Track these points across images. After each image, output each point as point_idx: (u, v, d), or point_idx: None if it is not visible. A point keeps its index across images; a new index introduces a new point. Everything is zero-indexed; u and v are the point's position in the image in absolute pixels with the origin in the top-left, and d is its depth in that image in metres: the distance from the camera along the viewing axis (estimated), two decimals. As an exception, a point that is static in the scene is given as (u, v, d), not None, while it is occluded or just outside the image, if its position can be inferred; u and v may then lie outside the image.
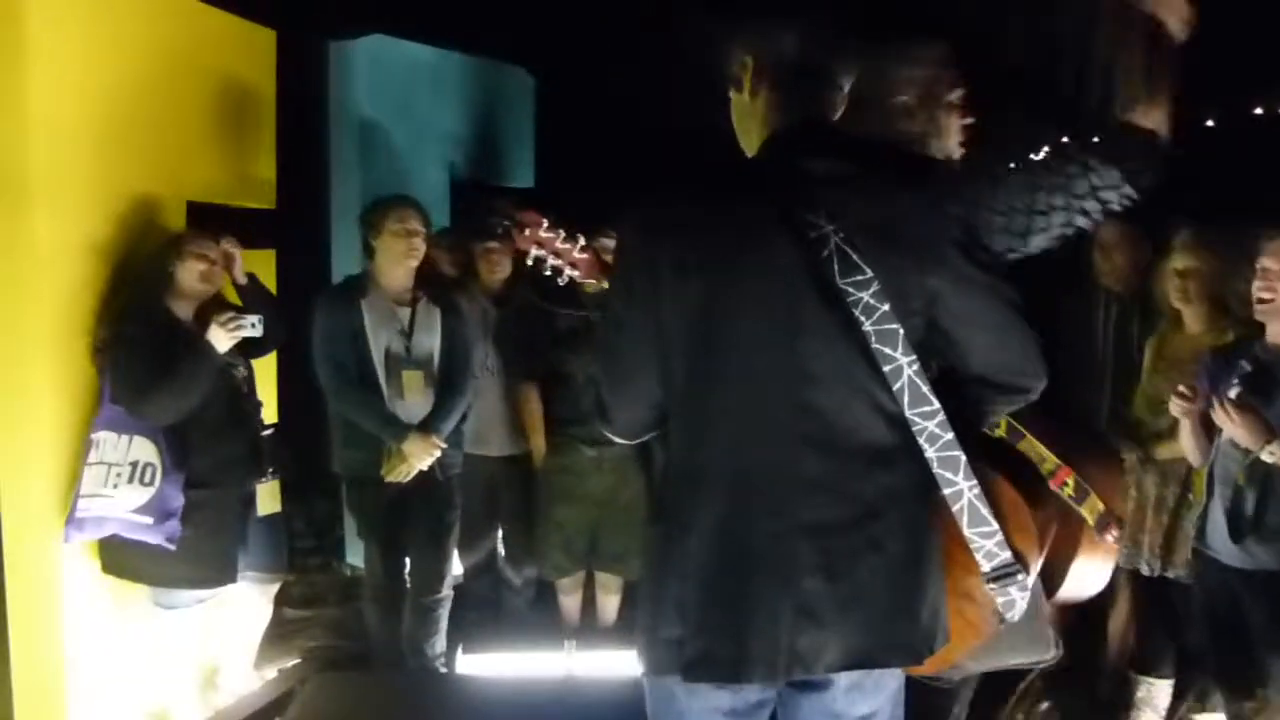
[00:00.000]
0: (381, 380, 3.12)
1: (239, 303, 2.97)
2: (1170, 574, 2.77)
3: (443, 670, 3.37)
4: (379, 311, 3.14)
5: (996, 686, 2.53)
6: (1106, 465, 1.72)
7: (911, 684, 1.55)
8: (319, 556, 4.31)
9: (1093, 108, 1.67)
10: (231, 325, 2.72)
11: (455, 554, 3.49)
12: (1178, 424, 2.65)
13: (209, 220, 3.09)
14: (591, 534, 3.47)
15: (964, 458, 1.40)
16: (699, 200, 1.46)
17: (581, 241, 1.89)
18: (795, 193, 1.39)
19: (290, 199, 3.72)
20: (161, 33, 3.01)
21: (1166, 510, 2.79)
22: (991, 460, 1.51)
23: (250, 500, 2.90)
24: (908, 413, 1.39)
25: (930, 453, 1.40)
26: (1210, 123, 5.02)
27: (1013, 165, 1.64)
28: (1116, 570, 2.33)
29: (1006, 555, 1.44)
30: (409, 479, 3.12)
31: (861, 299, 1.36)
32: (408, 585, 3.33)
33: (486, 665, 3.40)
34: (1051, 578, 1.70)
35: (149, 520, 2.64)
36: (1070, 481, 1.63)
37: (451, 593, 3.40)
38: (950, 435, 1.39)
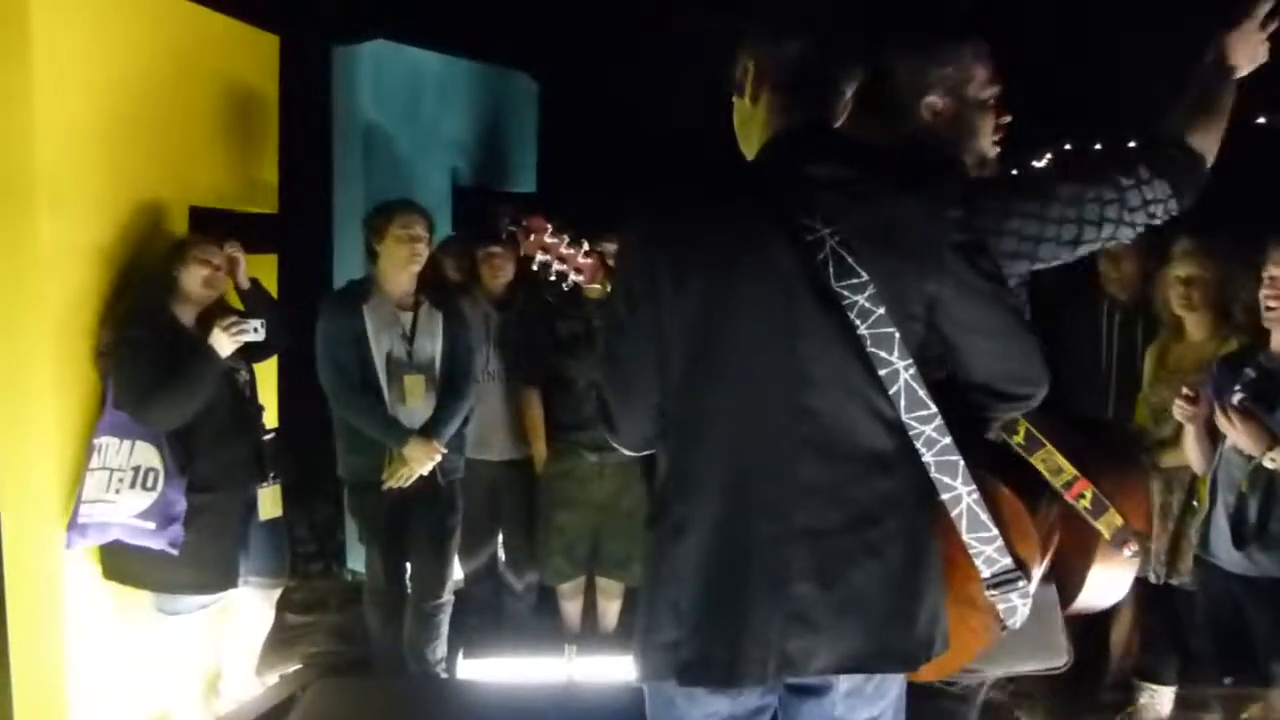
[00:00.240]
0: (383, 385, 3.12)
1: (241, 307, 2.97)
2: (1174, 581, 2.77)
3: (444, 675, 3.36)
4: (381, 316, 3.15)
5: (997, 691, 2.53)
6: (1128, 479, 1.70)
7: (925, 689, 1.55)
8: (320, 561, 4.31)
9: (1154, 124, 1.67)
10: (234, 330, 2.72)
11: (456, 559, 3.49)
12: (1181, 431, 2.65)
13: (212, 225, 3.09)
14: (593, 539, 3.47)
15: (962, 462, 1.39)
16: (698, 204, 1.47)
17: (585, 246, 1.89)
18: (793, 196, 1.39)
19: (293, 204, 3.72)
20: (165, 37, 3.01)
21: (1171, 517, 2.79)
22: (994, 466, 1.50)
23: (252, 505, 2.89)
24: (904, 417, 1.38)
25: (928, 457, 1.39)
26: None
27: (1065, 173, 1.63)
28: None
29: (1007, 561, 1.43)
30: (410, 483, 3.12)
31: (857, 302, 1.36)
32: (409, 590, 3.33)
33: (487, 670, 3.39)
34: (1068, 586, 1.69)
35: (152, 525, 2.63)
36: (1088, 494, 1.62)
37: (453, 598, 3.40)
38: (948, 440, 1.39)
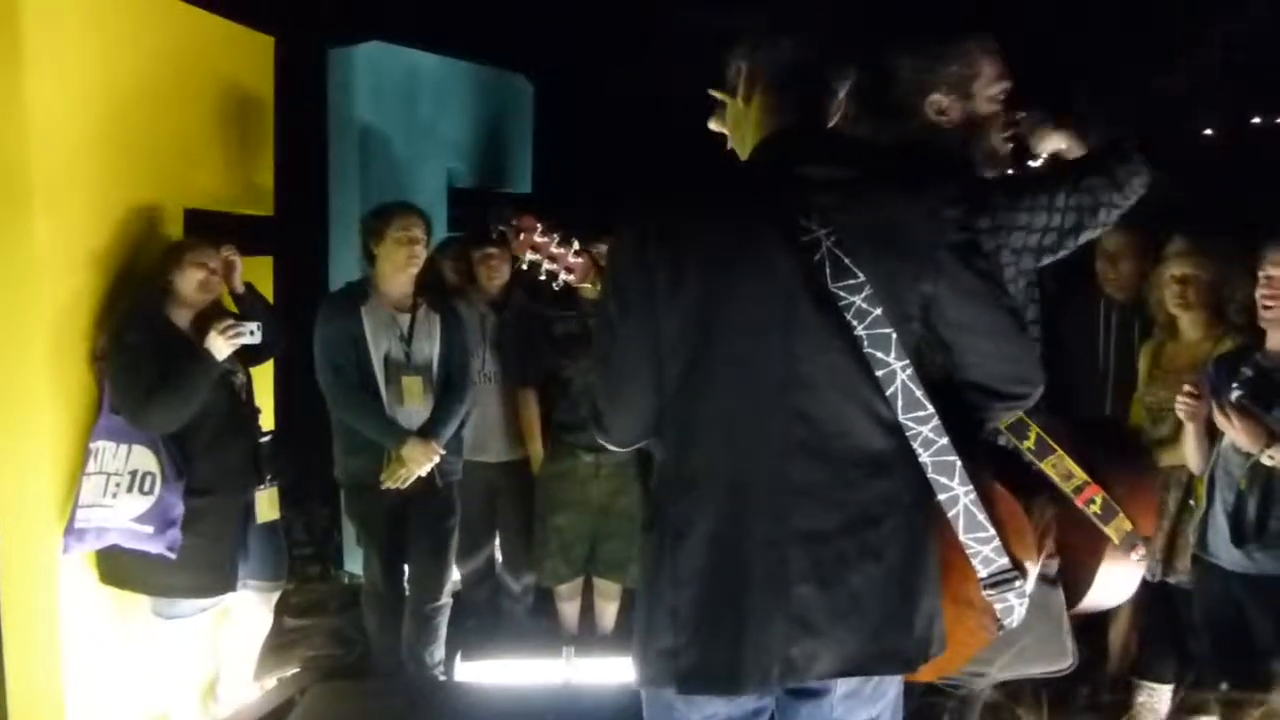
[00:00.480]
0: (381, 386, 3.12)
1: (236, 311, 2.97)
2: (1172, 580, 2.78)
3: (442, 678, 3.36)
4: (379, 318, 3.15)
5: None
6: (1139, 484, 1.71)
7: (930, 689, 1.55)
8: (318, 564, 4.30)
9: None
10: (230, 333, 2.72)
11: (454, 561, 3.48)
12: (1178, 431, 2.65)
13: (207, 227, 3.08)
14: (590, 541, 3.47)
15: (959, 463, 1.39)
16: (693, 205, 1.47)
17: (576, 245, 1.89)
18: (788, 197, 1.40)
19: (288, 205, 3.71)
20: (159, 38, 3.00)
21: (1168, 516, 2.79)
22: (991, 466, 1.50)
23: (249, 508, 2.89)
24: (902, 417, 1.39)
25: (925, 457, 1.40)
26: (1208, 131, 5.05)
27: (1057, 166, 1.67)
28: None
29: (1004, 561, 1.44)
30: (408, 485, 3.12)
31: (853, 303, 1.36)
32: (407, 592, 3.33)
33: (485, 672, 3.38)
34: (1076, 587, 1.69)
35: (149, 529, 2.63)
36: (1098, 499, 1.62)
37: (450, 600, 3.40)
38: (945, 440, 1.39)
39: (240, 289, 2.99)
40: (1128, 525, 1.63)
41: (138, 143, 2.90)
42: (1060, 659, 1.69)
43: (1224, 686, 2.56)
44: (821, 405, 1.40)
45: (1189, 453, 2.59)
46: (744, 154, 1.53)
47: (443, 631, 3.36)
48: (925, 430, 1.39)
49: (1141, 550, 1.64)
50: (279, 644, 3.44)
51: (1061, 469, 1.63)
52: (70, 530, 2.62)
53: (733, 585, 1.41)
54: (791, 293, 1.39)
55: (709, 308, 1.41)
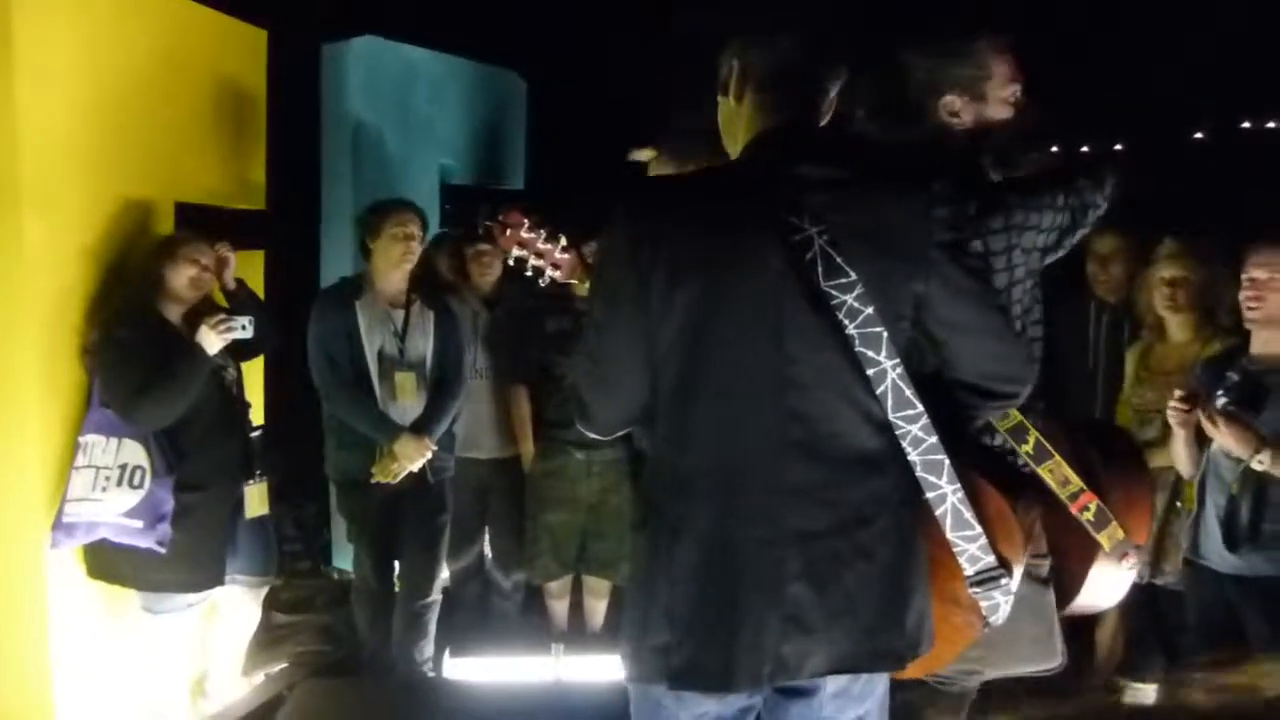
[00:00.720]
0: (375, 382, 3.13)
1: (227, 306, 2.96)
2: (1159, 581, 2.79)
3: (430, 674, 3.36)
4: (373, 313, 3.15)
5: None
6: (1133, 491, 1.72)
7: (923, 688, 1.56)
8: (307, 560, 4.29)
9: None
10: (222, 327, 2.71)
11: (444, 558, 3.48)
12: (1165, 433, 2.66)
13: (199, 222, 3.07)
14: (580, 538, 3.47)
15: (947, 461, 1.40)
16: (685, 204, 1.47)
17: (563, 242, 1.89)
18: (780, 195, 1.40)
19: (280, 200, 3.70)
20: (151, 31, 2.99)
21: (1156, 518, 2.80)
22: (978, 464, 1.51)
23: (239, 503, 2.88)
24: (891, 416, 1.39)
25: (914, 456, 1.40)
26: (1199, 135, 5.07)
27: (1049, 168, 1.70)
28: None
29: (990, 559, 1.45)
30: (399, 480, 3.12)
31: (845, 302, 1.37)
32: (397, 589, 3.32)
33: (475, 670, 3.39)
34: (1067, 589, 1.71)
35: (139, 524, 2.62)
36: (1092, 507, 1.64)
37: (441, 597, 3.40)
38: (934, 439, 1.40)
39: (232, 285, 2.98)
40: (1120, 533, 1.64)
41: (129, 137, 2.89)
42: (1050, 659, 1.71)
43: (1208, 684, 2.57)
44: (815, 404, 1.40)
45: (1179, 457, 2.60)
46: (735, 152, 1.53)
47: (432, 628, 3.36)
48: (914, 429, 1.39)
49: (1133, 559, 1.65)
50: (267, 640, 3.44)
51: (1058, 475, 1.64)
52: (59, 525, 2.61)
53: (727, 584, 1.42)
54: (784, 292, 1.39)
55: (702, 308, 1.41)
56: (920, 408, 1.39)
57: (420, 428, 3.13)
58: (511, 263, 1.91)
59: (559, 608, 3.62)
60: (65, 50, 2.67)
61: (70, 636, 2.70)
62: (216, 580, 2.82)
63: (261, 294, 3.32)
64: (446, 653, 3.42)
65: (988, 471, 1.52)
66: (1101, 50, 4.41)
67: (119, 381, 2.63)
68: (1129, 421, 2.92)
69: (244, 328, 2.76)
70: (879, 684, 1.51)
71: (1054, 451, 1.64)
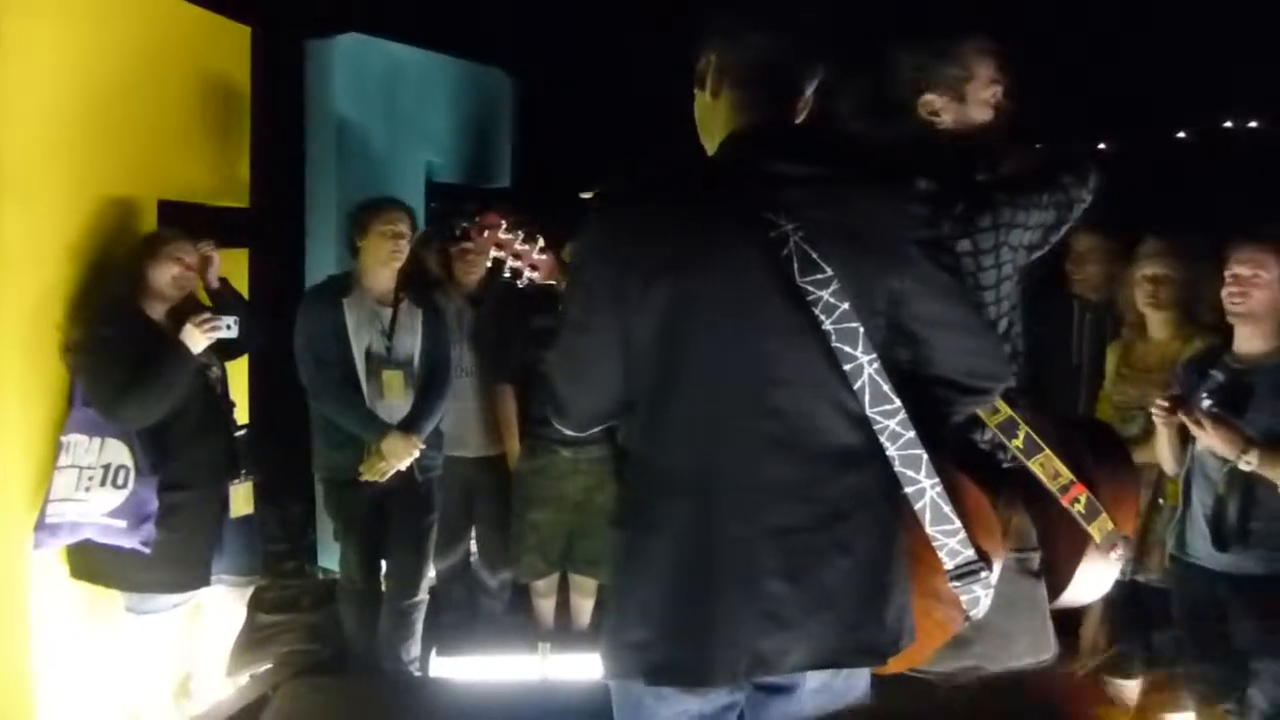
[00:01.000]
0: (362, 380, 3.12)
1: (211, 305, 2.94)
2: (1142, 578, 2.81)
3: (417, 674, 3.35)
4: (361, 311, 3.15)
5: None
6: (1122, 486, 1.75)
7: (918, 683, 1.57)
8: (293, 560, 4.27)
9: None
10: (207, 326, 2.70)
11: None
12: (1148, 429, 2.68)
13: (182, 219, 3.05)
14: (567, 536, 3.47)
15: (926, 456, 1.41)
16: (661, 202, 1.47)
17: (541, 243, 1.89)
18: (756, 192, 1.40)
19: (264, 198, 3.68)
20: (134, 27, 2.96)
21: (1138, 514, 2.82)
22: (956, 459, 1.52)
23: (224, 502, 2.87)
24: (869, 411, 1.40)
25: (892, 451, 1.41)
26: (1181, 134, 5.11)
27: (1031, 167, 1.72)
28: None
29: (970, 553, 1.45)
30: (388, 480, 3.11)
31: (821, 297, 1.37)
32: (384, 588, 3.32)
33: (461, 669, 3.39)
34: (1056, 583, 1.73)
35: (123, 524, 2.60)
36: (1082, 499, 1.66)
37: (427, 596, 3.39)
38: (911, 434, 1.40)
39: (216, 284, 2.97)
40: (1109, 525, 1.66)
41: (111, 133, 2.86)
42: (1045, 651, 1.73)
43: (1201, 684, 2.59)
44: (792, 400, 1.41)
45: (1163, 455, 2.62)
46: (711, 148, 1.54)
47: (419, 628, 3.36)
48: (892, 424, 1.40)
49: (1121, 550, 1.68)
50: (253, 640, 3.42)
51: (1049, 468, 1.66)
52: (41, 525, 2.59)
53: (703, 580, 1.42)
54: (760, 288, 1.39)
55: (679, 305, 1.41)
56: (898, 402, 1.40)
57: (408, 426, 3.12)
58: (490, 263, 1.91)
59: (545, 606, 3.62)
60: (47, 46, 2.65)
61: (53, 637, 2.67)
62: (202, 580, 2.80)
63: (245, 292, 3.31)
64: (433, 652, 3.42)
65: (967, 466, 1.53)
66: (1082, 49, 4.43)
67: (102, 380, 2.62)
68: (1110, 418, 2.94)
69: (229, 327, 2.75)
70: (860, 679, 1.51)
71: (1043, 445, 1.66)
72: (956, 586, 1.47)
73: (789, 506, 1.41)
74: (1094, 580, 1.73)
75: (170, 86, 3.15)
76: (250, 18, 3.51)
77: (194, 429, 2.77)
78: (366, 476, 3.10)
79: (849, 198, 1.42)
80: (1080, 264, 3.29)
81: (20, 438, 2.62)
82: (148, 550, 2.62)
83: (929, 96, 1.73)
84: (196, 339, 2.69)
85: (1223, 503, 2.40)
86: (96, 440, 2.62)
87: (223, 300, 2.96)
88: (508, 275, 1.89)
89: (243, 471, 2.92)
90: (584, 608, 3.61)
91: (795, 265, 1.37)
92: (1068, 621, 3.17)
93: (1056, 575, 1.73)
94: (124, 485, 2.61)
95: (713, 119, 1.52)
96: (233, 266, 3.28)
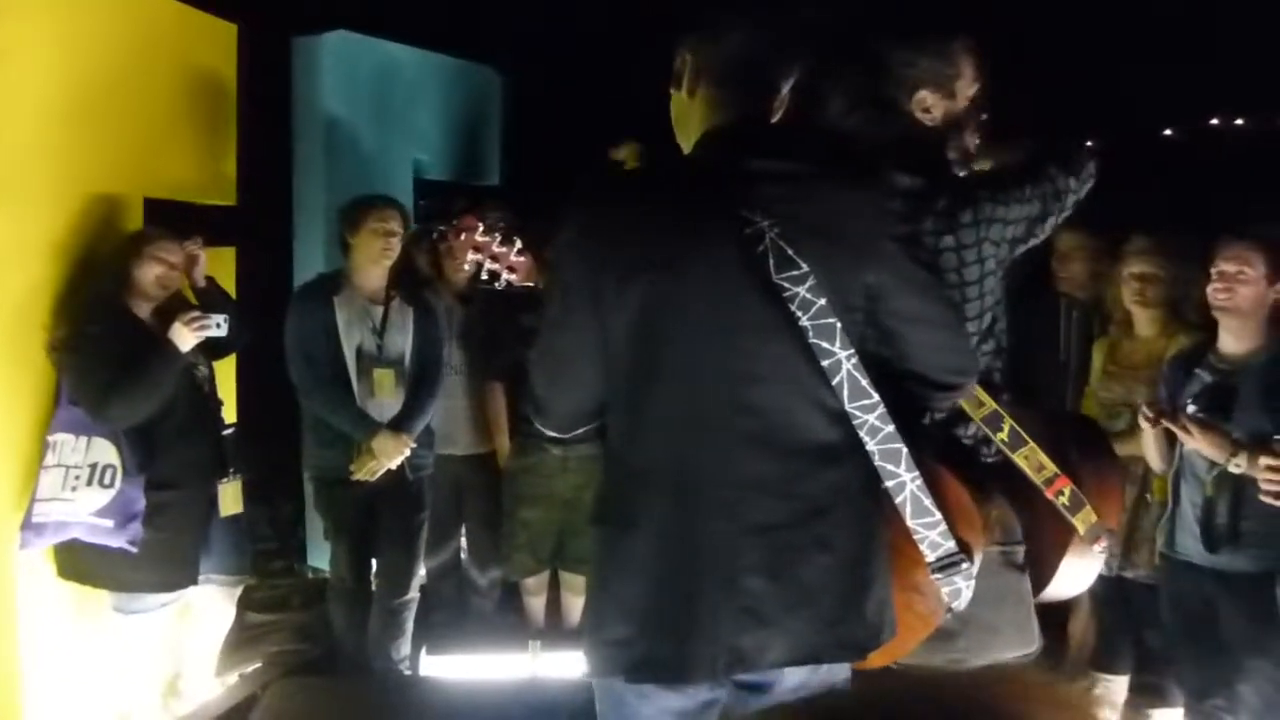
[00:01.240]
0: (353, 378, 3.12)
1: (197, 304, 2.93)
2: (1130, 574, 2.82)
3: (407, 673, 3.34)
4: (352, 309, 3.14)
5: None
6: (1105, 478, 1.76)
7: (908, 676, 1.57)
8: (281, 559, 4.26)
9: None
10: (196, 325, 2.68)
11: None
12: (1133, 426, 2.69)
13: (168, 217, 3.04)
14: (557, 534, 3.46)
15: (905, 450, 1.42)
16: (637, 200, 1.48)
17: (519, 245, 1.89)
18: (732, 189, 1.41)
19: (252, 196, 3.66)
20: (120, 25, 2.94)
21: (1125, 510, 2.84)
22: (936, 451, 1.54)
23: (213, 501, 2.86)
24: (848, 406, 1.40)
25: (871, 445, 1.41)
26: (1168, 132, 5.13)
27: (1018, 160, 1.72)
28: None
29: (950, 545, 1.46)
30: (378, 479, 3.11)
31: (797, 294, 1.38)
32: (374, 587, 3.31)
33: (451, 667, 3.38)
34: (1040, 576, 1.74)
35: (110, 523, 2.59)
36: (1066, 491, 1.67)
37: (418, 595, 3.38)
38: (891, 428, 1.41)
39: (202, 283, 2.95)
40: (1093, 517, 1.67)
41: (97, 131, 2.85)
42: (1030, 644, 1.74)
43: (1190, 680, 2.60)
44: (769, 397, 1.42)
45: (1150, 454, 2.63)
46: (687, 146, 1.54)
47: (409, 626, 3.35)
48: (871, 418, 1.41)
49: (1105, 542, 1.69)
50: (241, 640, 3.41)
51: (1033, 461, 1.67)
52: (28, 525, 2.57)
53: (682, 577, 1.42)
54: (736, 286, 1.40)
55: (656, 303, 1.41)
56: (876, 397, 1.40)
57: (399, 425, 3.11)
58: (467, 267, 1.91)
59: (536, 604, 3.62)
60: (33, 43, 2.63)
61: (40, 637, 2.66)
62: (190, 580, 2.79)
63: (233, 291, 3.29)
64: (423, 651, 3.41)
65: (949, 462, 1.54)
66: (1071, 47, 4.45)
67: (88, 379, 2.60)
68: (1096, 414, 2.96)
69: (219, 325, 2.73)
70: (839, 675, 1.51)
71: (1028, 439, 1.67)
72: (938, 578, 1.48)
73: (768, 503, 1.42)
74: (1078, 574, 1.75)
75: (157, 84, 3.13)
76: (237, 15, 3.49)
77: (181, 428, 2.75)
78: (357, 475, 3.09)
79: (825, 194, 1.43)
80: (1066, 262, 3.31)
81: (6, 437, 2.60)
82: (135, 550, 2.61)
83: (922, 93, 1.74)
84: (185, 337, 2.67)
85: (1212, 504, 2.41)
86: (83, 439, 2.61)
87: (209, 299, 2.95)
88: (485, 278, 1.89)
89: (231, 470, 2.91)
90: (574, 605, 3.60)
91: (771, 262, 1.37)
92: (1055, 618, 3.21)
93: (1040, 569, 1.74)
94: (111, 484, 2.60)
95: (689, 117, 1.53)
96: (220, 265, 3.26)
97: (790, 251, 1.37)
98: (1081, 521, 1.67)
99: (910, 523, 1.45)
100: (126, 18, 2.98)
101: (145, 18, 3.07)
